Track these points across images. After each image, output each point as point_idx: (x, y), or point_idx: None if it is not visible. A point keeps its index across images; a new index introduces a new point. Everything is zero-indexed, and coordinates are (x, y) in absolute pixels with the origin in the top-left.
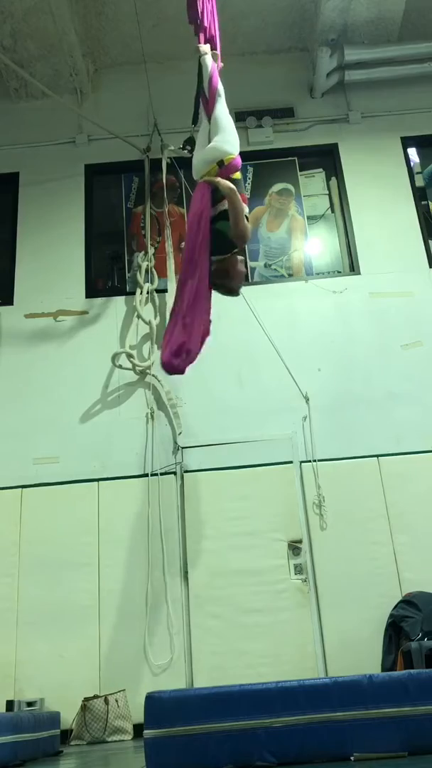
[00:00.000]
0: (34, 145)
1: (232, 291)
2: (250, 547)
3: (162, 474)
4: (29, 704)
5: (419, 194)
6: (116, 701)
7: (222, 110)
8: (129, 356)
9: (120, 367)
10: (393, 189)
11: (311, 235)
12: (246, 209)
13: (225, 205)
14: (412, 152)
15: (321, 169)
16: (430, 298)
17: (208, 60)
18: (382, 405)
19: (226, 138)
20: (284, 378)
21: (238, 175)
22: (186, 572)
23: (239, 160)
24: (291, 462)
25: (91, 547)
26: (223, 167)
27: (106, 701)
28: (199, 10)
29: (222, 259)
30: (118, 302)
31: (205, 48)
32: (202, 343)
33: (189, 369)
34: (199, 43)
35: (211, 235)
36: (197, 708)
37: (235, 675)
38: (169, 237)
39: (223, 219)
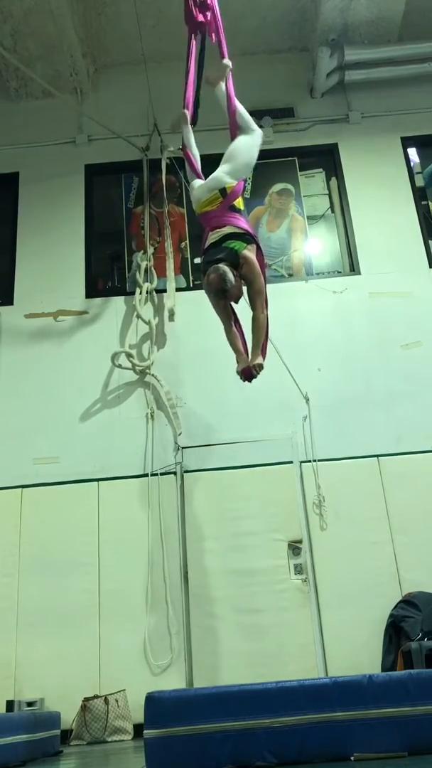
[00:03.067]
0: (34, 145)
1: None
2: (250, 547)
3: (162, 474)
4: (29, 704)
5: (419, 194)
6: (116, 701)
7: (241, 142)
8: (129, 356)
9: (120, 366)
10: (393, 189)
11: (311, 235)
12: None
13: (235, 227)
14: (412, 152)
15: (321, 169)
16: (429, 298)
17: (222, 88)
18: (382, 405)
19: (232, 167)
20: (284, 378)
21: (240, 203)
22: (186, 572)
23: (241, 186)
24: (291, 462)
25: (91, 547)
26: (226, 196)
27: (106, 701)
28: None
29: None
30: (118, 302)
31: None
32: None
33: (190, 369)
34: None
35: (221, 250)
36: (197, 708)
37: (236, 675)
38: (169, 237)
39: (239, 239)
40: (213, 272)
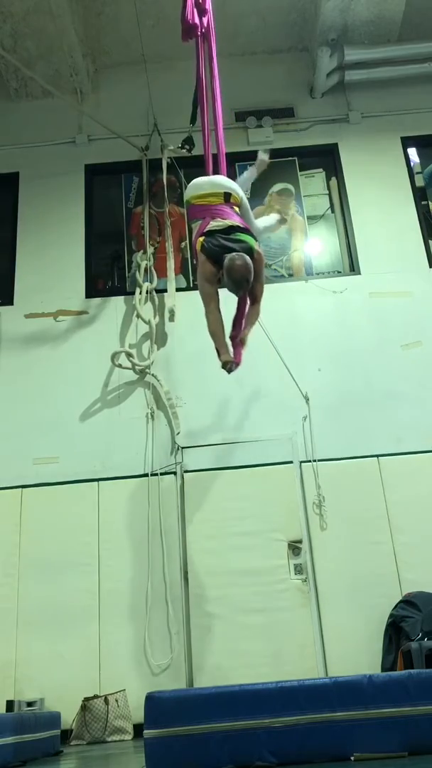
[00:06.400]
0: (34, 145)
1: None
2: (250, 547)
3: (162, 474)
4: (29, 704)
5: (419, 194)
6: (116, 701)
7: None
8: (128, 356)
9: (120, 366)
10: (393, 189)
11: (311, 235)
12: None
13: (238, 223)
14: (412, 152)
15: (321, 169)
16: (430, 298)
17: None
18: (382, 405)
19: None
20: (284, 378)
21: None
22: (186, 572)
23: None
24: (291, 462)
25: (91, 547)
26: (228, 201)
27: (106, 701)
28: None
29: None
30: (118, 302)
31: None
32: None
33: (190, 369)
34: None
35: (235, 240)
36: (197, 708)
37: (235, 675)
38: (169, 237)
39: (246, 233)
40: (240, 260)
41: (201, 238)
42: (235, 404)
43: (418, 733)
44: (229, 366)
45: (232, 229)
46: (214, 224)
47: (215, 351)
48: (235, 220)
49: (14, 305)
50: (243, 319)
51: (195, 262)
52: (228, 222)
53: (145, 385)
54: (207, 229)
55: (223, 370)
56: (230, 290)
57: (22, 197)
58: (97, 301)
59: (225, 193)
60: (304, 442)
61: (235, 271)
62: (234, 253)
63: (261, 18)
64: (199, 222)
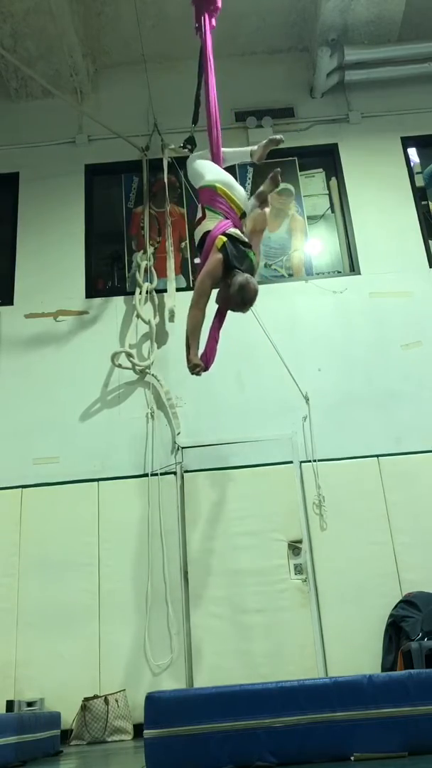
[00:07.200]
0: (34, 145)
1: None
2: (250, 547)
3: (162, 474)
4: (29, 704)
5: (419, 194)
6: (116, 701)
7: None
8: (128, 356)
9: (120, 366)
10: (393, 189)
11: (311, 235)
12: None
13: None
14: (412, 152)
15: (321, 169)
16: (430, 298)
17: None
18: (382, 405)
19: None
20: (284, 378)
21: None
22: (186, 572)
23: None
24: (291, 462)
25: (91, 547)
26: (242, 218)
27: (106, 701)
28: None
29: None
30: (118, 302)
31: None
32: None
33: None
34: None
35: (246, 257)
36: (197, 708)
37: (235, 675)
38: (169, 237)
39: (252, 252)
40: (255, 284)
41: (224, 238)
42: (236, 404)
43: (418, 733)
44: (198, 370)
45: (245, 245)
46: (235, 231)
47: (185, 349)
48: (246, 238)
49: (14, 305)
50: (214, 340)
51: (198, 255)
52: (243, 236)
53: (145, 385)
54: (228, 232)
55: (188, 369)
56: (229, 302)
57: (22, 197)
58: (97, 301)
59: (243, 212)
60: (304, 442)
61: (248, 292)
62: (253, 281)
63: (261, 18)
64: (218, 216)
